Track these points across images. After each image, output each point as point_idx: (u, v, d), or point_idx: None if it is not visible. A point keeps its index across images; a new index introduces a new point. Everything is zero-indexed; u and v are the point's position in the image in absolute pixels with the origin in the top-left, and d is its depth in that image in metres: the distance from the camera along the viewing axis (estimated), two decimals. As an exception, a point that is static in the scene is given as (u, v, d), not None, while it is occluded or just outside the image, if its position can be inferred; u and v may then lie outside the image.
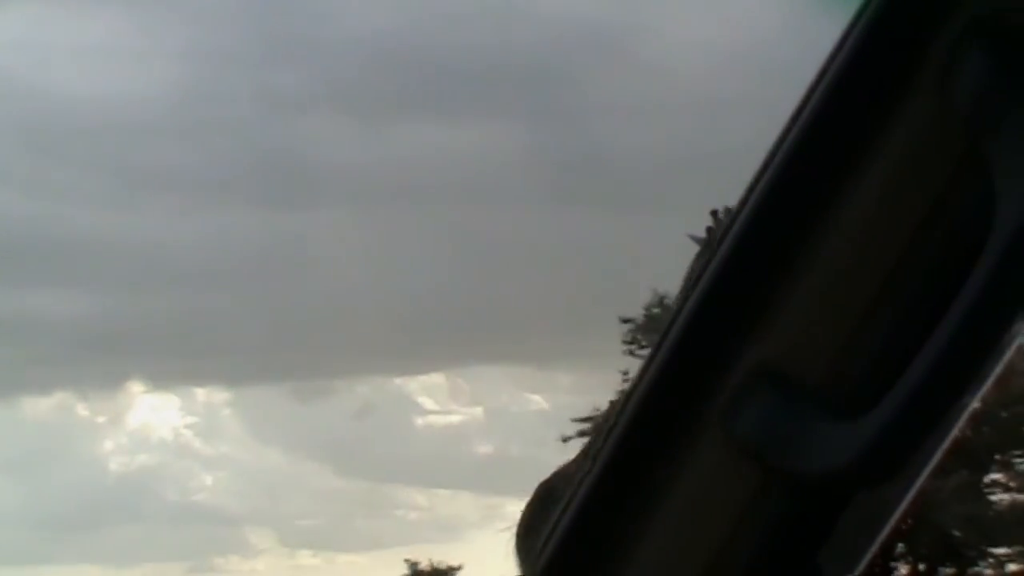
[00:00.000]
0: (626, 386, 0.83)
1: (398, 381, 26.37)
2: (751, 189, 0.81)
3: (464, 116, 20.33)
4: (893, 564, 11.95)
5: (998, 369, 0.91)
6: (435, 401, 26.73)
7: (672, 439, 0.84)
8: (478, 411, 27.28)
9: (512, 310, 19.77)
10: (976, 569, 12.26)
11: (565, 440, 16.45)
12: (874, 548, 0.98)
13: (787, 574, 0.87)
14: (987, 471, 11.87)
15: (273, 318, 22.18)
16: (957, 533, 11.22)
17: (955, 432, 0.97)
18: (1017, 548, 12.12)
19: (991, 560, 12.32)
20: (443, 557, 21.80)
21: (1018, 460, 12.43)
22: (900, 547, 11.85)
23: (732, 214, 0.83)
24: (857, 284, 0.81)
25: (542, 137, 19.66)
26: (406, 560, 21.42)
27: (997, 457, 12.16)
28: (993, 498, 12.19)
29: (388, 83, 20.49)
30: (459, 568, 21.87)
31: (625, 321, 16.92)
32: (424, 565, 22.09)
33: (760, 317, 0.82)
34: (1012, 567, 12.35)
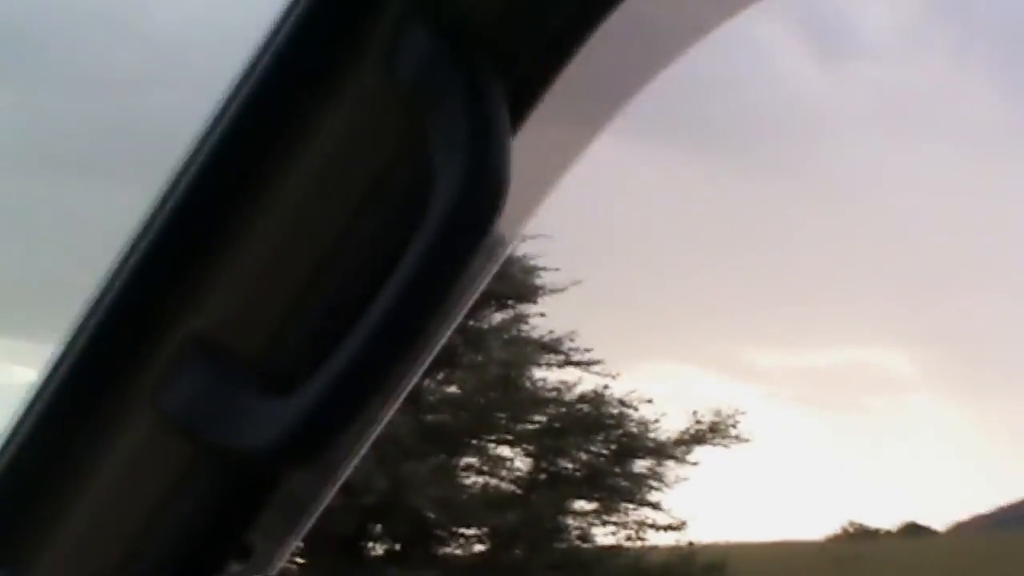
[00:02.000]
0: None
1: None
2: (191, 157, 0.79)
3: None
4: (369, 544, 12.22)
5: (435, 348, 0.93)
6: (-91, 372, 24.89)
7: (99, 413, 0.81)
8: (-41, 382, 25.53)
9: (4, 280, 18.68)
10: (446, 549, 12.72)
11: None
12: (304, 527, 0.98)
13: (217, 551, 0.86)
14: (462, 455, 12.34)
15: None
16: (430, 514, 11.60)
17: (391, 412, 0.98)
18: (485, 529, 12.67)
19: (461, 540, 12.83)
20: None
21: (491, 444, 13.00)
22: (377, 528, 12.13)
23: (169, 182, 0.80)
24: (295, 259, 0.81)
25: (41, 103, 18.72)
26: None
27: (472, 441, 12.66)
28: (466, 481, 12.69)
29: None
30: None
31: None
32: None
33: (194, 288, 0.80)
34: (479, 547, 12.90)
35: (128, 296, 0.80)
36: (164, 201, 0.79)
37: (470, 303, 0.98)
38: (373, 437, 1.02)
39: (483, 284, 1.01)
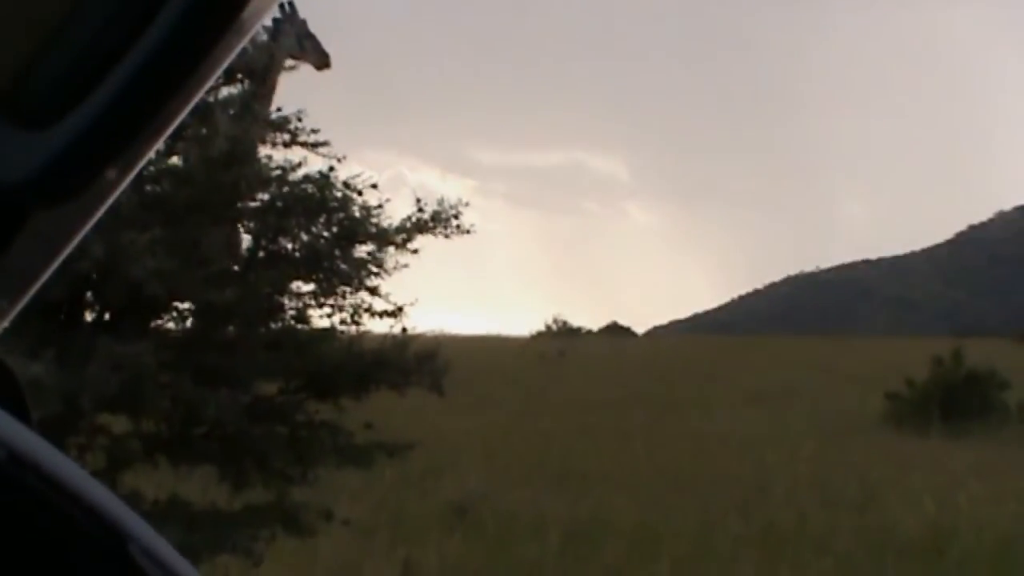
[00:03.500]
0: None
1: None
2: None
3: None
4: (81, 311, 11.96)
5: (193, 99, 0.90)
6: None
7: None
8: None
9: None
10: (161, 322, 12.60)
11: None
12: (46, 273, 0.94)
13: None
14: (182, 228, 12.08)
15: None
16: (147, 286, 11.39)
17: (142, 163, 0.95)
18: (201, 304, 12.53)
19: (176, 314, 12.70)
20: None
21: (209, 219, 12.73)
22: (90, 296, 11.88)
23: None
24: None
25: None
26: None
27: (193, 216, 12.40)
28: (183, 255, 12.42)
29: None
30: None
31: None
32: None
33: None
34: (194, 321, 12.81)
35: None
36: None
37: (227, 60, 0.96)
38: (124, 185, 1.00)
39: (240, 43, 0.98)
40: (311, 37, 17.27)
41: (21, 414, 1.03)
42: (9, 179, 0.74)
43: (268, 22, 16.67)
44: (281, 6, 17.07)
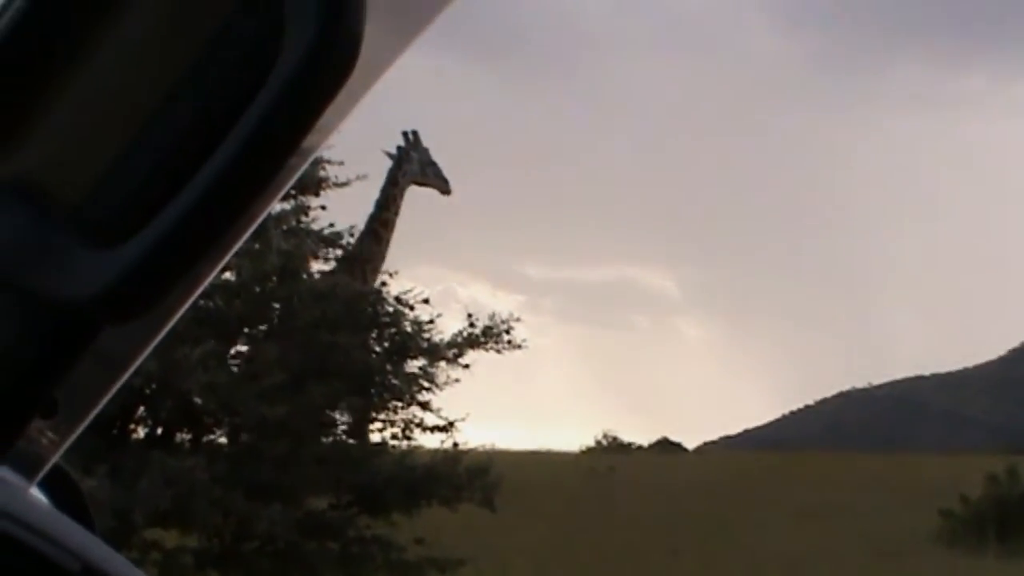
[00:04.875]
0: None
1: None
2: None
3: None
4: (133, 427, 12.00)
5: (263, 213, 0.92)
6: None
7: None
8: None
9: None
10: (213, 437, 12.59)
11: None
12: (113, 390, 0.95)
13: (22, 403, 0.82)
14: (234, 342, 12.17)
15: None
16: (198, 400, 11.44)
17: (207, 281, 0.96)
18: (253, 419, 12.55)
19: (228, 429, 12.71)
20: None
21: (261, 333, 12.83)
22: (141, 410, 11.93)
23: None
24: (130, 104, 0.79)
25: None
26: None
27: (245, 330, 12.49)
28: (235, 369, 12.52)
29: None
30: None
31: None
32: None
33: (15, 125, 0.75)
34: (246, 436, 12.81)
35: None
36: None
37: (291, 181, 0.97)
38: (193, 299, 1.01)
39: (309, 160, 1.00)
40: (433, 164, 17.33)
41: (88, 526, 1.03)
42: (78, 295, 0.74)
43: (392, 150, 16.97)
44: (405, 134, 17.34)
